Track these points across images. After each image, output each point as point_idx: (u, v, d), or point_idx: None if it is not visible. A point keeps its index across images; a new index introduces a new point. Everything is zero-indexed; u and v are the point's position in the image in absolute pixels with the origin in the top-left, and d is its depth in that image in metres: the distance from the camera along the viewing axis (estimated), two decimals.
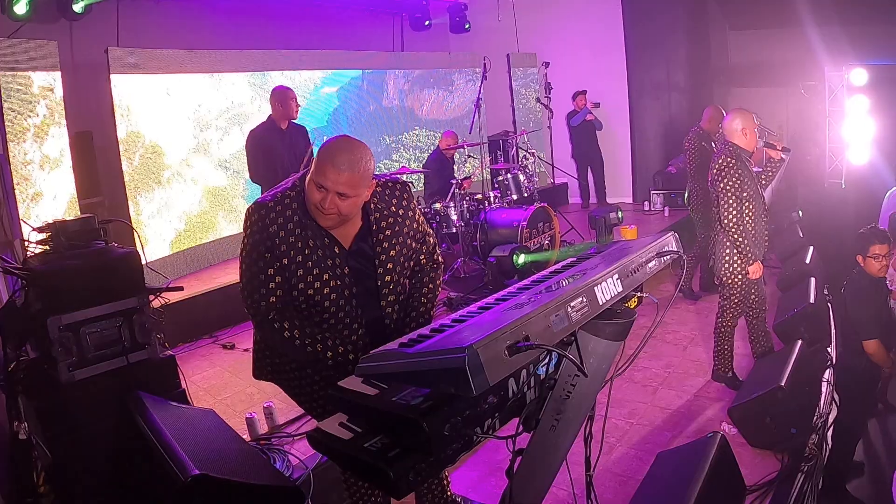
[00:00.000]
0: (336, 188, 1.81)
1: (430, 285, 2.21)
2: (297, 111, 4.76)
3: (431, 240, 2.21)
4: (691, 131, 5.18)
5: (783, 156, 3.53)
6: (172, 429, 2.14)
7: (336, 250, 1.95)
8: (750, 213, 3.43)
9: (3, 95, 4.39)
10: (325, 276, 1.93)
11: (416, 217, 2.10)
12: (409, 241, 2.07)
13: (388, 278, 2.03)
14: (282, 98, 4.70)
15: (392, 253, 2.02)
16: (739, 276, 3.51)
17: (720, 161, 3.38)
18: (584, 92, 8.47)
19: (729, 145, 3.44)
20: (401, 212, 2.05)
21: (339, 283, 1.95)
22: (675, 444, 3.16)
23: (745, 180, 3.38)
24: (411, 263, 2.13)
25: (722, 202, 3.38)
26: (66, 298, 2.39)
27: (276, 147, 4.66)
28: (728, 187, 3.35)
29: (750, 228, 3.44)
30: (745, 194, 3.39)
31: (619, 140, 9.05)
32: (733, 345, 3.74)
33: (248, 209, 1.95)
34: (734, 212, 3.35)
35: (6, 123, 4.42)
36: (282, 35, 7.39)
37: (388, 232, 2.01)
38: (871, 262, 3.52)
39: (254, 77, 6.71)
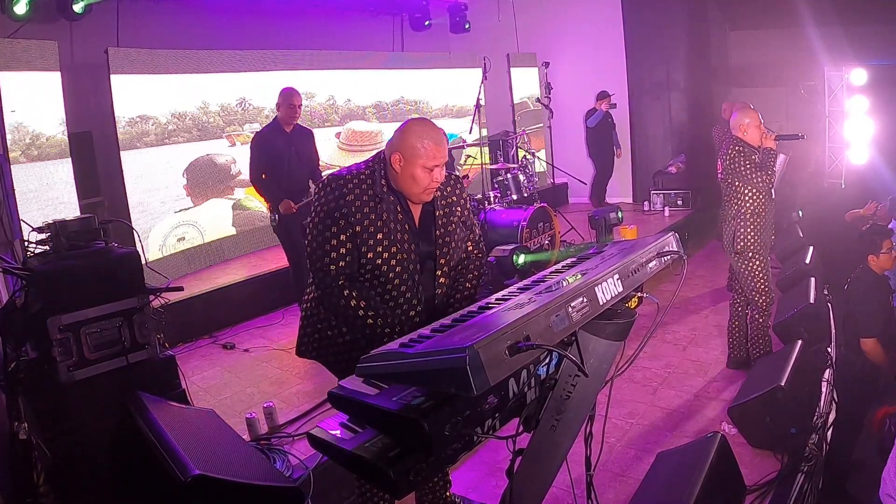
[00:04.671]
0: (444, 160, 2.05)
1: (476, 272, 2.35)
2: (299, 114, 4.68)
3: (477, 230, 2.38)
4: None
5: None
6: (172, 429, 2.14)
7: (407, 227, 2.09)
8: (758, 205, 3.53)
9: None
10: (394, 249, 2.06)
11: (467, 206, 2.30)
12: (461, 226, 2.25)
13: (446, 258, 2.19)
14: (285, 101, 4.62)
15: (450, 228, 2.20)
16: (753, 241, 3.56)
17: (730, 151, 3.52)
18: (609, 95, 8.41)
19: (735, 139, 3.56)
20: (453, 199, 2.23)
21: (405, 256, 2.08)
22: (675, 444, 3.16)
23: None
24: (461, 247, 2.27)
25: (751, 179, 3.47)
26: (66, 298, 2.39)
27: (279, 150, 4.59)
28: (748, 169, 3.46)
29: (759, 219, 3.53)
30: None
31: (620, 140, 9.02)
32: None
33: (322, 181, 2.09)
34: (761, 177, 3.45)
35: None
36: (282, 35, 7.37)
37: (446, 210, 2.20)
38: (884, 258, 3.62)
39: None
